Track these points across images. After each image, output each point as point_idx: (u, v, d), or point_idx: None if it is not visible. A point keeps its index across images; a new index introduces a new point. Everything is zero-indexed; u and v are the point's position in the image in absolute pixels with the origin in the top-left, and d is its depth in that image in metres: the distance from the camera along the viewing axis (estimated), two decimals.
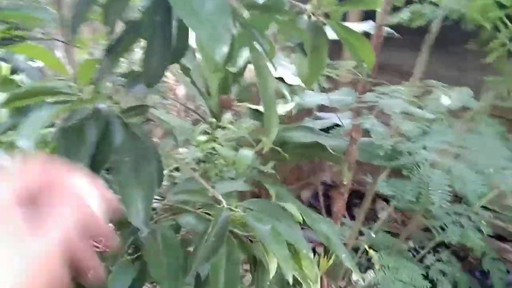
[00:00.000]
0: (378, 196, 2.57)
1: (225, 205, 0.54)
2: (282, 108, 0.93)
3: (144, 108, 0.57)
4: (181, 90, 2.14)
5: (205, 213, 0.62)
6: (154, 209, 0.61)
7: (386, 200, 2.28)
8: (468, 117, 1.60)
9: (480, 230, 1.53)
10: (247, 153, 0.88)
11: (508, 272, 1.81)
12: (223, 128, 1.15)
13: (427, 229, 2.58)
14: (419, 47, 1.46)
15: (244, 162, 0.86)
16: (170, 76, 1.59)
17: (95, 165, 0.46)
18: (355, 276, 1.11)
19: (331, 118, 1.38)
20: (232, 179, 0.96)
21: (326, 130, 1.36)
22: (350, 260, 1.11)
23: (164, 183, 0.82)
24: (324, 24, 0.57)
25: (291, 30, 0.55)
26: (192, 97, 2.21)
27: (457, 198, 1.35)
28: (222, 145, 0.91)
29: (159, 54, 0.40)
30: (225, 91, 1.39)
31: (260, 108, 0.74)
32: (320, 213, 2.90)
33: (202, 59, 1.46)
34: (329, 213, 2.87)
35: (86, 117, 0.47)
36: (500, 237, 2.17)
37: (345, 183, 1.13)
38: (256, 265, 0.61)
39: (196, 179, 0.57)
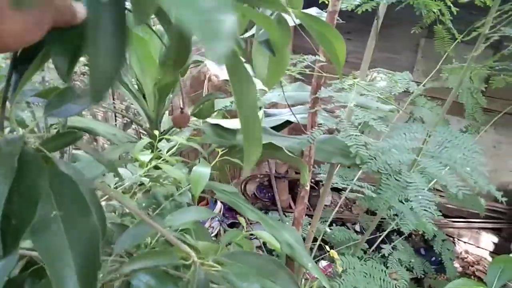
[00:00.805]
0: (320, 183, 2.57)
1: (196, 259, 0.41)
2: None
3: (76, 135, 0.42)
4: None
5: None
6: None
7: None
8: (409, 101, 1.60)
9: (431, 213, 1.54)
10: (203, 170, 0.75)
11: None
12: (166, 139, 1.00)
13: (370, 212, 2.64)
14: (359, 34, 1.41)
15: (201, 182, 0.73)
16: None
17: (10, 231, 0.31)
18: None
19: (280, 114, 1.28)
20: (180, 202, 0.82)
21: (277, 127, 1.26)
22: (317, 270, 1.04)
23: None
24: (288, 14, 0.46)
25: (261, 22, 0.42)
26: (120, 95, 1.99)
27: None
28: (170, 163, 0.77)
29: (109, 50, 0.25)
30: (163, 92, 1.23)
31: (223, 122, 0.61)
32: (266, 205, 2.84)
33: (130, 55, 1.28)
34: (274, 204, 2.83)
35: None
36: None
37: (307, 187, 1.04)
38: None
39: (148, 221, 0.43)
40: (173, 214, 0.64)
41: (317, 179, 1.80)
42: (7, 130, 0.40)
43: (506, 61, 1.13)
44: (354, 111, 1.01)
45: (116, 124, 1.83)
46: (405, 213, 1.23)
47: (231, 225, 2.61)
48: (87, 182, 0.42)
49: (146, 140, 0.76)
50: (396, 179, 0.94)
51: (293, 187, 2.89)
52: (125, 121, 1.69)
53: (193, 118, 1.01)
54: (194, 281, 0.39)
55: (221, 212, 2.71)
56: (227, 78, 0.71)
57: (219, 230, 2.49)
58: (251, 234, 0.69)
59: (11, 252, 0.31)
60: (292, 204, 2.81)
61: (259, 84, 0.82)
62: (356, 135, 0.84)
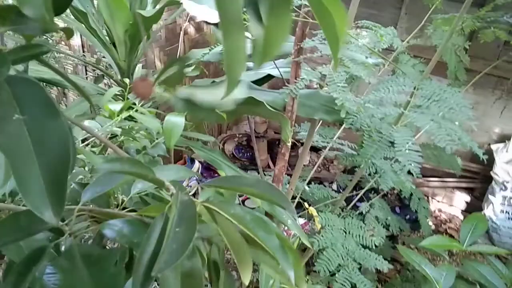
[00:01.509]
0: (299, 142, 2.55)
1: (173, 190, 0.37)
2: None
3: (43, 48, 0.37)
4: (76, 41, 1.78)
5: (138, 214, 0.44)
6: (62, 220, 0.41)
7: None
8: (393, 57, 1.56)
9: (409, 172, 1.54)
10: (176, 120, 0.69)
11: None
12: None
13: (347, 171, 2.65)
14: None
15: (175, 131, 0.68)
16: (60, 22, 1.27)
17: None
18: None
19: (262, 68, 1.22)
20: (153, 156, 0.77)
21: (258, 82, 1.20)
22: (297, 227, 1.02)
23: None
24: None
25: None
26: (91, 48, 1.87)
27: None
28: (141, 113, 0.71)
29: None
30: (134, 40, 1.14)
31: (197, 94, 0.54)
32: (244, 165, 2.82)
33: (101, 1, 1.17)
34: (253, 164, 2.81)
35: None
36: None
37: (288, 144, 1.00)
38: (217, 272, 0.46)
39: (115, 150, 0.38)
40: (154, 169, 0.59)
41: (296, 138, 1.77)
42: None
43: (500, 11, 1.09)
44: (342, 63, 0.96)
45: (87, 78, 1.72)
46: (385, 170, 1.22)
47: None
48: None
49: (115, 88, 0.69)
50: (379, 135, 0.91)
51: (272, 147, 2.87)
52: (96, 75, 1.59)
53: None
54: (177, 201, 0.35)
55: (199, 171, 2.68)
56: (206, 20, 0.63)
57: (197, 189, 2.46)
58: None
59: None
60: (271, 164, 2.80)
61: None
62: (342, 86, 0.80)
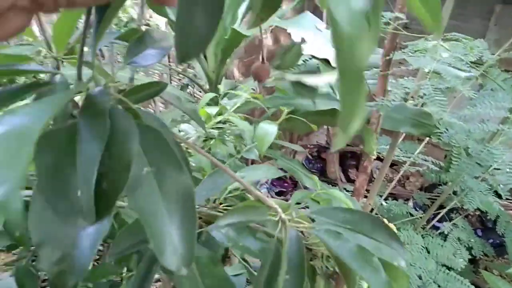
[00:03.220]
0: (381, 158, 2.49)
1: (283, 216, 0.38)
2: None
3: (160, 85, 0.39)
4: None
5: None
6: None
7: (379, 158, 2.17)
8: (481, 71, 1.48)
9: (498, 194, 1.45)
10: (269, 128, 0.72)
11: None
12: (229, 96, 0.98)
13: (424, 188, 2.53)
14: None
15: (267, 139, 0.70)
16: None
17: (103, 195, 0.28)
18: None
19: None
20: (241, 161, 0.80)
21: None
22: None
23: None
24: None
25: None
26: (173, 57, 1.97)
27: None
28: (235, 117, 0.74)
29: (207, 5, 0.21)
30: (226, 53, 1.21)
31: (305, 79, 0.56)
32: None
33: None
34: (323, 175, 2.79)
35: (75, 112, 0.29)
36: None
37: (372, 157, 0.99)
38: (314, 278, 0.47)
39: (228, 172, 0.40)
40: (243, 170, 0.62)
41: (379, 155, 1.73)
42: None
43: None
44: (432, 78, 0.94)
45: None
46: (474, 189, 1.15)
47: (279, 194, 2.61)
48: (171, 134, 0.40)
49: (211, 94, 0.74)
50: (475, 153, 0.87)
51: (343, 160, 2.83)
52: (181, 84, 1.69)
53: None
54: (286, 239, 0.36)
55: (269, 180, 2.71)
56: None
57: (267, 197, 2.50)
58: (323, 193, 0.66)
59: (104, 216, 0.27)
60: (342, 176, 2.76)
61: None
62: (440, 100, 0.78)
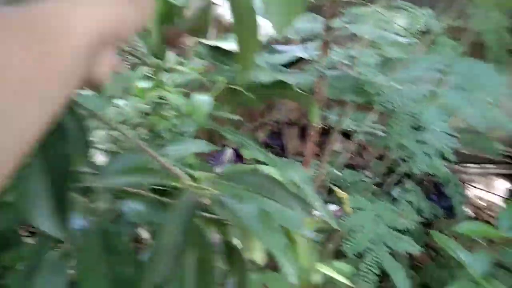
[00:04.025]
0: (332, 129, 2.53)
1: (187, 182, 0.37)
2: None
3: None
4: None
5: (159, 189, 0.45)
6: (87, 191, 0.43)
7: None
8: (429, 40, 1.51)
9: (445, 158, 1.50)
10: (204, 99, 0.71)
11: None
12: (169, 70, 0.96)
13: (381, 158, 2.61)
14: None
15: (202, 110, 0.70)
16: None
17: None
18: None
19: (291, 51, 1.22)
20: (181, 134, 0.79)
21: (287, 65, 1.20)
22: (325, 209, 1.02)
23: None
24: None
25: None
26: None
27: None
28: (170, 92, 0.73)
29: None
30: (167, 22, 1.17)
31: (223, 44, 0.55)
32: (276, 152, 2.84)
33: None
34: (284, 151, 2.81)
35: None
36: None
37: (315, 124, 1.00)
38: (233, 254, 0.47)
39: (142, 147, 0.39)
40: (172, 144, 0.61)
41: (330, 124, 1.76)
42: None
43: None
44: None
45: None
46: (417, 153, 1.20)
47: None
48: None
49: (145, 68, 0.72)
50: (408, 113, 0.89)
51: (305, 135, 2.86)
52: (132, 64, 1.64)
53: None
54: (181, 205, 0.36)
55: (232, 159, 2.71)
56: None
57: None
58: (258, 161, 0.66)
59: None
60: (303, 151, 2.79)
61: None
62: (371, 66, 0.79)
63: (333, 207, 2.23)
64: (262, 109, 3.06)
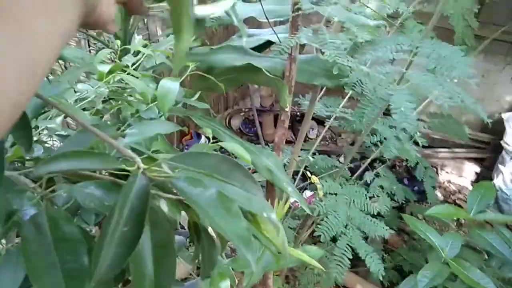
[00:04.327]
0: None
1: (141, 165, 0.34)
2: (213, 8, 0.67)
3: None
4: None
5: (115, 174, 0.42)
6: (36, 180, 0.40)
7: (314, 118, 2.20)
8: (398, 24, 1.52)
9: (415, 142, 1.52)
10: (171, 85, 0.68)
11: None
12: (135, 54, 0.92)
13: (354, 143, 2.63)
14: None
15: (169, 97, 0.67)
16: None
17: None
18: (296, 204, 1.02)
19: (261, 34, 1.20)
20: (152, 119, 0.76)
21: (258, 49, 1.18)
22: (297, 194, 1.01)
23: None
24: None
25: None
26: None
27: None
28: (135, 76, 0.70)
29: None
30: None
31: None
32: (251, 140, 2.82)
33: None
34: (259, 138, 2.80)
35: None
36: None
37: (286, 109, 0.99)
38: (199, 232, 0.45)
39: (91, 129, 0.36)
40: (134, 127, 0.57)
41: (302, 110, 1.76)
42: None
43: None
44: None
45: (90, 51, 1.72)
46: (388, 137, 1.20)
47: None
48: None
49: (106, 50, 0.69)
50: (375, 95, 0.89)
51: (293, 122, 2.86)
52: (98, 48, 1.58)
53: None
54: (132, 189, 0.33)
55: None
56: None
57: None
58: (221, 148, 0.64)
59: None
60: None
61: None
62: (339, 49, 0.78)
63: (307, 193, 2.24)
64: (235, 97, 3.03)
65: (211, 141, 0.75)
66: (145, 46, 0.96)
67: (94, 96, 0.66)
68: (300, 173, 1.54)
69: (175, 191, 0.42)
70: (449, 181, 2.58)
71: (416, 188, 2.31)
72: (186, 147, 2.53)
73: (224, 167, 0.35)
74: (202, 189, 0.34)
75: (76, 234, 0.35)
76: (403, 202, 1.72)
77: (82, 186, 0.39)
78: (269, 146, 2.50)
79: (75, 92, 0.70)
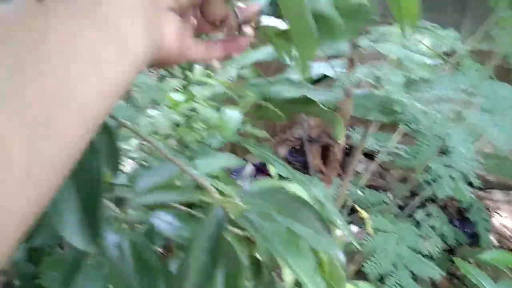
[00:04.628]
0: (353, 147, 2.51)
1: (217, 197, 0.37)
2: None
3: None
4: None
5: (188, 205, 0.46)
6: (120, 201, 0.44)
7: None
8: (454, 62, 1.50)
9: (469, 183, 1.47)
10: (233, 114, 0.72)
11: None
12: (197, 83, 0.98)
13: (404, 180, 2.57)
14: None
15: (231, 125, 0.71)
16: None
17: None
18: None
19: (317, 68, 1.23)
20: (208, 146, 0.80)
21: (312, 82, 1.21)
22: (347, 228, 1.01)
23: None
24: None
25: None
26: None
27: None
28: (202, 105, 0.75)
29: None
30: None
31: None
32: (297, 169, 2.83)
33: None
34: (306, 168, 2.80)
35: None
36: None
37: (340, 142, 1.00)
38: (260, 271, 0.47)
39: (173, 160, 0.40)
40: (201, 158, 0.62)
41: (352, 144, 1.75)
42: None
43: None
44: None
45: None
46: (442, 176, 1.18)
47: None
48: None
49: (178, 81, 0.74)
50: (433, 133, 0.89)
51: (326, 152, 2.85)
52: (159, 75, 1.68)
53: None
54: (210, 220, 0.35)
55: (253, 174, 2.71)
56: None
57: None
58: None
59: None
60: (324, 169, 2.78)
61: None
62: (398, 85, 0.79)
63: (353, 228, 2.20)
64: (283, 125, 3.07)
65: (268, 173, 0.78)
66: (207, 76, 1.03)
67: (166, 123, 0.71)
68: (347, 206, 1.53)
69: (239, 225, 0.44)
70: (504, 226, 2.44)
71: (468, 230, 2.20)
72: (234, 173, 2.58)
73: (293, 205, 0.37)
74: (272, 225, 0.36)
75: (155, 260, 0.38)
76: (454, 244, 1.65)
77: (162, 216, 0.42)
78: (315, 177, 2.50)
79: (148, 117, 0.75)
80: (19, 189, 0.18)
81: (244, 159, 2.68)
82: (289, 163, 2.93)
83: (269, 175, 2.73)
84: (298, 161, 2.81)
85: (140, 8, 0.25)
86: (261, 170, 2.73)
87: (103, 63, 0.22)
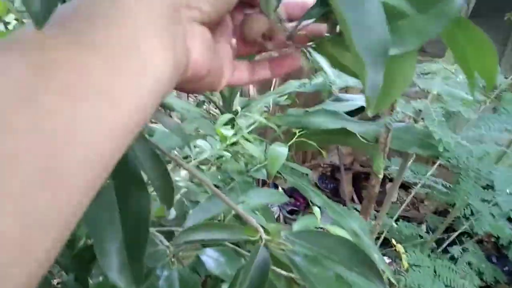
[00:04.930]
0: (388, 178, 2.47)
1: (263, 237, 0.38)
2: None
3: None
4: None
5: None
6: (170, 234, 0.47)
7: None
8: (494, 96, 1.48)
9: (509, 219, 1.43)
10: (281, 150, 0.74)
11: None
12: (236, 113, 1.01)
13: (439, 212, 2.50)
14: None
15: (278, 161, 0.73)
16: None
17: None
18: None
19: (355, 100, 1.25)
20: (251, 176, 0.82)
21: (350, 113, 1.22)
22: (383, 261, 1.00)
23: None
24: None
25: None
26: None
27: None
28: (249, 140, 0.77)
29: None
30: None
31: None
32: (327, 196, 2.80)
33: None
34: (336, 195, 2.78)
35: None
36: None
37: (380, 176, 1.01)
38: None
39: (221, 196, 0.41)
40: (246, 193, 0.63)
41: (385, 173, 1.73)
42: None
43: None
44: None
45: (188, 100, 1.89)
46: (483, 213, 1.15)
47: (291, 212, 2.61)
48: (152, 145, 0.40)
49: (227, 115, 0.77)
50: (477, 172, 0.88)
51: (357, 181, 2.82)
52: (198, 100, 1.73)
53: None
54: (254, 259, 0.36)
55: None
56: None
57: (279, 215, 2.50)
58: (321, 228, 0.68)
59: None
60: (354, 197, 2.75)
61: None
62: (440, 121, 0.80)
63: (386, 260, 2.15)
64: (314, 152, 3.06)
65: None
66: (244, 106, 1.05)
67: (211, 155, 0.74)
68: (382, 238, 1.51)
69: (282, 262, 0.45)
70: None
71: (506, 268, 2.11)
72: None
73: (344, 250, 0.37)
74: (320, 270, 0.36)
75: None
76: (492, 282, 1.59)
77: (209, 252, 0.44)
78: (346, 206, 2.47)
79: (195, 147, 0.78)
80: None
81: (275, 183, 2.69)
82: (320, 189, 2.91)
83: (297, 200, 2.70)
84: (328, 188, 2.80)
85: (158, 22, 0.21)
86: (290, 195, 2.73)
87: (116, 94, 0.19)
